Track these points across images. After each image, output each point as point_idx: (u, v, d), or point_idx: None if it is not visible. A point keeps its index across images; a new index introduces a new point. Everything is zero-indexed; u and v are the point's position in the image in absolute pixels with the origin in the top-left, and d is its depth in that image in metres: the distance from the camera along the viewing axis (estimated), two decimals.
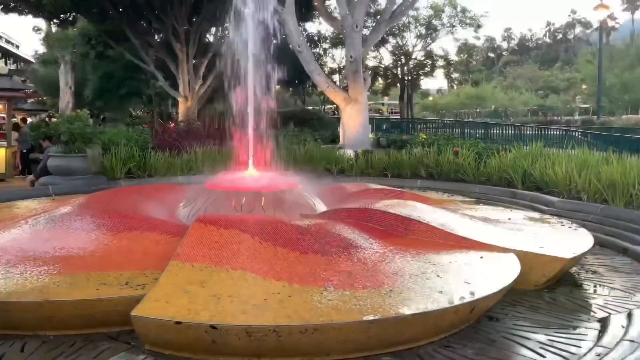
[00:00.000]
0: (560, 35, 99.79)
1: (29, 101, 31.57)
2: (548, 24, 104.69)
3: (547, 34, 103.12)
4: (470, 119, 48.89)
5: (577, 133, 19.13)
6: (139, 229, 4.44)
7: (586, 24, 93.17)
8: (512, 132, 20.28)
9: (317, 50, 31.86)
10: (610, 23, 73.02)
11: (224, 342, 2.85)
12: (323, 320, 2.89)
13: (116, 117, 27.92)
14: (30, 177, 10.06)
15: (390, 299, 3.25)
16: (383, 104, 50.95)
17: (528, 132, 19.81)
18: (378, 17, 18.86)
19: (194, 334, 2.87)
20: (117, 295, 3.32)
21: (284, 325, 2.83)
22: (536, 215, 6.36)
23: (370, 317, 2.94)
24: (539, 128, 21.19)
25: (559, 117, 51.41)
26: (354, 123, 13.65)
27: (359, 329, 2.93)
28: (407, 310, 3.08)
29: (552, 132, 19.65)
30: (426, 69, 33.93)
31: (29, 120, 21.54)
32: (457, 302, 3.25)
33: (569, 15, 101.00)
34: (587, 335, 3.48)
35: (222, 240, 3.91)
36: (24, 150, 13.76)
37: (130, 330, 3.20)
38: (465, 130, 21.62)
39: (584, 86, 55.09)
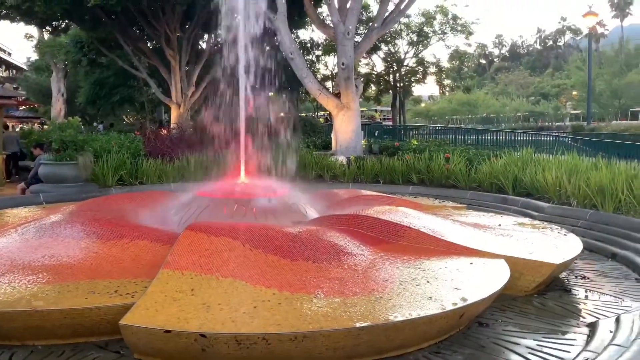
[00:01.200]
0: (551, 42, 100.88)
1: (20, 109, 31.40)
2: (538, 30, 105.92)
3: (538, 41, 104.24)
4: (462, 125, 49.17)
5: (567, 139, 19.25)
6: (129, 237, 4.43)
7: (576, 31, 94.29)
8: (503, 138, 20.40)
9: (310, 57, 31.91)
10: (600, 30, 73.94)
11: (214, 350, 2.84)
12: (312, 327, 2.89)
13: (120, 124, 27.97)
14: (21, 185, 10.02)
15: (380, 305, 3.26)
16: (376, 111, 51.05)
17: (518, 138, 19.93)
18: (370, 24, 18.97)
19: (183, 342, 2.86)
20: (106, 304, 3.30)
21: (273, 333, 2.83)
22: (526, 220, 6.40)
23: (360, 324, 2.94)
24: (529, 134, 21.32)
25: (550, 123, 51.83)
26: (346, 129, 13.68)
27: (348, 335, 2.93)
28: (396, 317, 3.08)
29: (542, 138, 19.77)
30: (418, 75, 34.06)
31: (19, 126, 21.47)
32: (446, 308, 3.26)
33: (559, 22, 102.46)
34: (576, 340, 3.51)
35: (213, 247, 3.91)
36: (9, 153, 13.79)
37: (119, 339, 3.19)
38: (457, 137, 21.73)
39: (574, 92, 55.63)
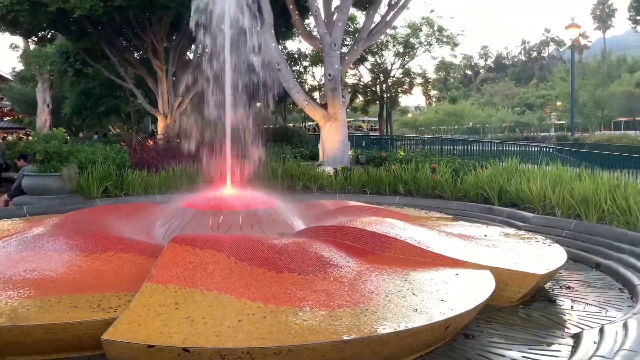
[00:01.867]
0: (535, 53, 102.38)
1: (5, 119, 31.07)
2: (523, 42, 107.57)
3: (523, 52, 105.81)
4: (449, 136, 49.59)
5: (551, 149, 19.47)
6: (112, 250, 4.38)
7: (559, 42, 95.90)
8: (489, 148, 20.56)
9: (298, 68, 32.05)
10: (583, 41, 75.23)
11: None
12: (297, 341, 2.87)
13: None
14: (4, 196, 9.88)
15: (365, 318, 3.25)
16: (364, 121, 51.32)
17: (504, 148, 20.10)
18: (356, 35, 19.12)
19: (166, 357, 2.82)
20: (88, 319, 3.25)
21: (258, 347, 2.80)
22: (511, 231, 6.44)
23: (345, 337, 2.93)
24: (514, 144, 21.53)
25: (535, 134, 52.41)
26: (333, 140, 13.73)
27: (333, 349, 2.91)
28: (382, 330, 3.07)
29: (527, 149, 19.96)
30: (404, 86, 34.30)
31: (2, 137, 21.23)
32: (432, 320, 3.26)
33: (543, 34, 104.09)
34: (560, 351, 3.52)
35: (197, 260, 3.88)
36: None
37: (102, 355, 3.14)
38: (444, 147, 21.88)
39: (558, 103, 56.39)
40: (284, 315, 3.22)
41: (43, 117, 25.78)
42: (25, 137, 26.86)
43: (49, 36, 22.15)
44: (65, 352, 3.29)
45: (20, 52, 27.66)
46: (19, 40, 26.18)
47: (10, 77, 36.61)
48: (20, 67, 32.36)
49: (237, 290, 3.53)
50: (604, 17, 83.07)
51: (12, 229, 5.83)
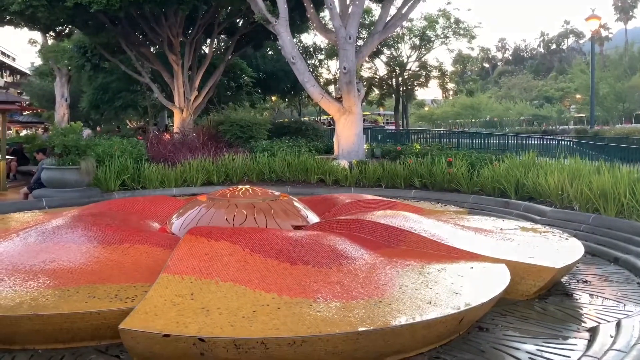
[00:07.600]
0: (554, 46, 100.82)
1: (24, 114, 31.53)
2: (542, 34, 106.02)
3: (541, 44, 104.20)
4: (466, 129, 49.16)
5: (570, 142, 19.19)
6: (130, 242, 4.44)
7: (579, 34, 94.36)
8: (505, 141, 20.30)
9: (313, 61, 31.98)
10: (604, 33, 73.88)
11: (212, 354, 2.85)
12: (311, 332, 2.89)
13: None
14: (24, 189, 10.06)
15: (379, 310, 3.25)
16: (379, 115, 51.08)
17: (519, 142, 19.84)
18: (372, 28, 19.01)
19: (182, 346, 2.87)
20: (106, 309, 3.31)
21: (272, 337, 2.83)
22: (528, 225, 6.38)
23: (359, 329, 2.94)
24: (532, 138, 21.25)
25: (554, 127, 51.71)
26: (348, 134, 13.69)
27: (347, 340, 2.93)
28: (395, 321, 3.08)
29: (545, 142, 19.69)
30: (421, 79, 33.97)
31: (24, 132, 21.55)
32: (445, 312, 3.26)
33: (562, 26, 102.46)
34: (576, 345, 3.49)
35: (213, 252, 3.92)
36: None
37: (119, 344, 3.21)
38: (460, 140, 21.68)
39: (578, 96, 55.45)
40: (298, 307, 3.24)
41: (61, 111, 26.14)
42: (43, 132, 27.23)
43: (66, 31, 22.43)
44: (83, 340, 3.36)
45: (38, 47, 28.02)
46: (37, 35, 26.54)
47: (29, 72, 37.10)
48: (39, 62, 32.82)
49: (252, 282, 3.57)
50: (626, 8, 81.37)
51: (31, 221, 5.94)
